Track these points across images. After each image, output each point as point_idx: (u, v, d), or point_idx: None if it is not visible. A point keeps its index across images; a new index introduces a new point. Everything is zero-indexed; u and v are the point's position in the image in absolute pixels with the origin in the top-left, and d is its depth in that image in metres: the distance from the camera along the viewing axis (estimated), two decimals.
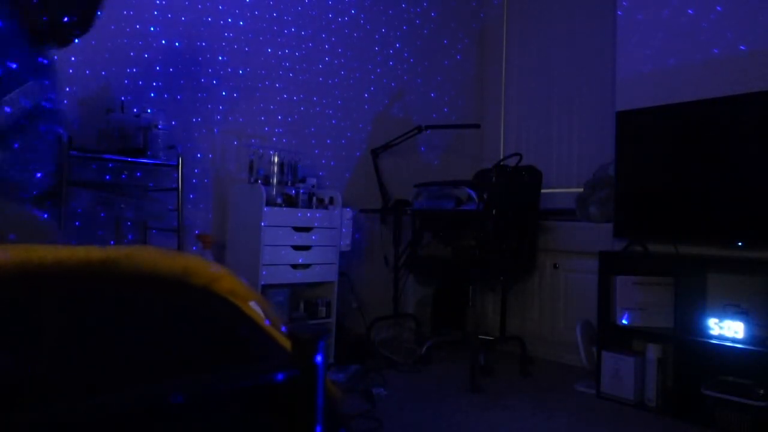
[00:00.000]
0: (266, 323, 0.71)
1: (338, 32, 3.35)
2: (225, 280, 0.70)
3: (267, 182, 2.73)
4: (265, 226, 2.55)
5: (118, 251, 0.61)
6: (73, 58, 2.38)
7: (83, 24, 1.50)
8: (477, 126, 3.77)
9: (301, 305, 2.84)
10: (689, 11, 2.72)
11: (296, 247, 2.69)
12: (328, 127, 3.32)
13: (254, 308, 0.71)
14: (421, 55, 3.81)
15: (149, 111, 2.43)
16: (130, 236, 2.58)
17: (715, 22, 2.63)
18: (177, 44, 2.69)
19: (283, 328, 0.72)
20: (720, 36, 2.61)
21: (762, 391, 2.10)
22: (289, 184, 2.81)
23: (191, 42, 2.74)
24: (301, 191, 2.78)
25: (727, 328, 2.22)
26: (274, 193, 2.71)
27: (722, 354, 2.27)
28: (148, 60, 2.60)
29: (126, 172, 2.47)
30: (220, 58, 2.84)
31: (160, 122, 2.43)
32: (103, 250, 0.60)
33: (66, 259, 0.57)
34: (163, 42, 2.65)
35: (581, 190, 3.22)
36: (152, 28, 2.61)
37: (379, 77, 3.56)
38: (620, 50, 2.98)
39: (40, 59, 1.46)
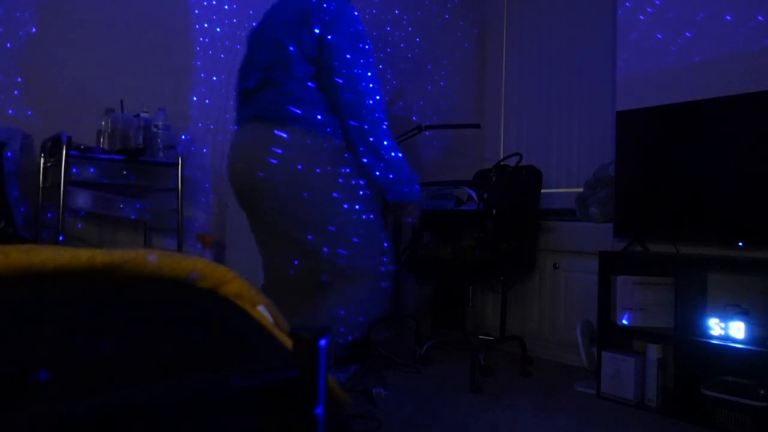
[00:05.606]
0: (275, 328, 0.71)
1: None
2: (232, 283, 0.69)
3: None
4: None
5: (123, 255, 0.61)
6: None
7: None
8: (477, 126, 3.77)
9: None
10: (689, 11, 2.72)
11: None
12: None
13: (263, 312, 0.70)
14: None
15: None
16: (129, 236, 2.57)
17: (716, 23, 2.63)
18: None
19: None
20: (721, 36, 2.61)
21: (763, 392, 2.09)
22: None
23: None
24: None
25: (728, 328, 2.22)
26: None
27: (723, 354, 2.27)
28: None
29: (126, 172, 2.47)
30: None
31: (160, 122, 2.43)
32: (107, 254, 0.60)
33: (68, 264, 0.56)
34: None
35: (581, 190, 3.22)
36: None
37: None
38: (620, 50, 2.98)
39: None
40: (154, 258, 0.62)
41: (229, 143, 1.86)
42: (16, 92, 2.29)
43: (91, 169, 2.32)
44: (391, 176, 1.69)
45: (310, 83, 1.67)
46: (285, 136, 1.64)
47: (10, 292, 0.53)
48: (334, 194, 1.67)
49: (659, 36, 2.82)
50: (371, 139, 1.66)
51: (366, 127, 1.64)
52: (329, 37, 1.64)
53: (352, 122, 1.66)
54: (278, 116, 1.66)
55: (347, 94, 1.64)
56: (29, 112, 2.32)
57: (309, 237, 1.68)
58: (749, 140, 2.35)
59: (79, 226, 2.41)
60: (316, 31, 1.64)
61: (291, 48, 1.65)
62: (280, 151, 1.62)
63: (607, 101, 3.33)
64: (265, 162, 1.64)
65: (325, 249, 1.67)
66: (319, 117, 1.67)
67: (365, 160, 1.68)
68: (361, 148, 1.68)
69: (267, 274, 1.94)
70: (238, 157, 1.75)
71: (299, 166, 1.64)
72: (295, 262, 1.76)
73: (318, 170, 1.65)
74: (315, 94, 1.68)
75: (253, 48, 1.79)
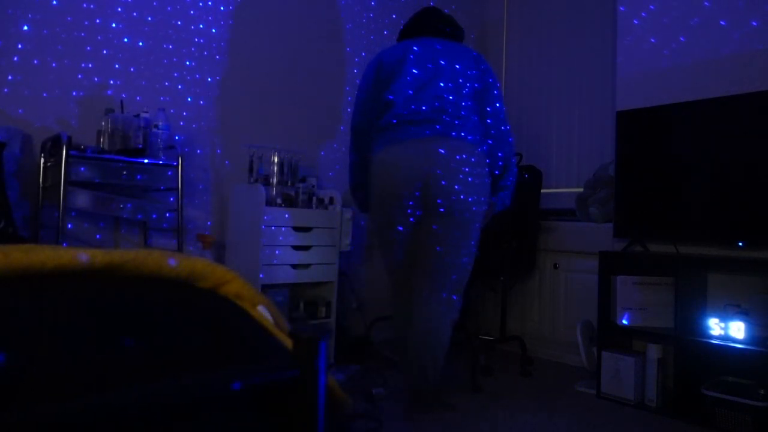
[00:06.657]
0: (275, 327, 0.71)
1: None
2: (232, 283, 0.69)
3: (267, 182, 2.73)
4: (265, 226, 2.55)
5: (123, 255, 0.61)
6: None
7: None
8: None
9: (301, 305, 2.84)
10: (689, 12, 2.72)
11: (296, 247, 2.68)
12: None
13: (263, 312, 0.70)
14: None
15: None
16: (129, 236, 2.57)
17: (716, 23, 2.63)
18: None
19: None
20: (720, 36, 2.61)
21: (762, 392, 2.10)
22: (289, 184, 2.81)
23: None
24: (301, 191, 2.78)
25: (728, 328, 2.22)
26: (274, 193, 2.71)
27: (723, 354, 2.27)
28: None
29: (126, 172, 2.47)
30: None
31: (160, 122, 2.43)
32: (107, 254, 0.59)
33: (68, 264, 0.56)
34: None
35: (581, 190, 3.22)
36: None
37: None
38: (620, 50, 2.98)
39: None
40: (155, 258, 0.62)
41: (395, 152, 2.19)
42: (6, 90, 2.28)
43: (89, 169, 2.31)
44: (508, 184, 2.37)
45: (474, 115, 2.22)
46: (468, 150, 2.14)
47: (10, 292, 0.53)
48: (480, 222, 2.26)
49: (659, 36, 2.82)
50: (511, 173, 2.38)
51: (513, 160, 2.38)
52: (491, 80, 2.28)
53: (500, 153, 2.32)
54: (461, 136, 2.14)
55: (501, 130, 2.29)
56: (20, 111, 2.31)
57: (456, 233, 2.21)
58: (749, 140, 2.35)
59: (73, 226, 2.41)
60: (474, 71, 2.24)
61: (464, 83, 2.21)
62: (466, 162, 2.12)
63: (607, 101, 3.33)
64: (455, 171, 2.11)
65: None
66: (481, 140, 2.22)
67: (506, 182, 2.38)
68: (507, 179, 2.38)
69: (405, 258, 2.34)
70: (421, 164, 2.13)
71: (476, 180, 2.16)
72: (438, 248, 2.22)
73: (485, 186, 2.22)
74: (478, 123, 2.23)
75: (416, 80, 2.21)
